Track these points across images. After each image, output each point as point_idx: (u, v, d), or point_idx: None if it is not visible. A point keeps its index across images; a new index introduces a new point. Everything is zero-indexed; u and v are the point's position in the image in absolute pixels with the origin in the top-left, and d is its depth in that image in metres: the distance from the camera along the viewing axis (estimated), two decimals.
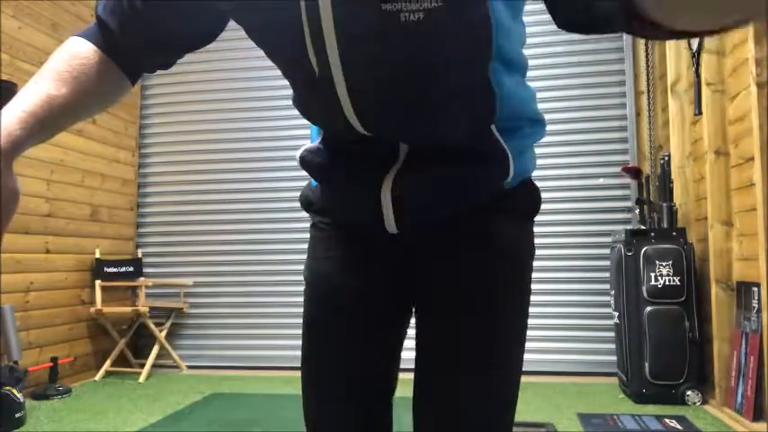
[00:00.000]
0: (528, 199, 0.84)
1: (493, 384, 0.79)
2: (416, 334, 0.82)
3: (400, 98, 0.71)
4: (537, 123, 0.83)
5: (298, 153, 0.87)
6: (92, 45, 0.73)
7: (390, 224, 0.79)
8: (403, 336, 0.89)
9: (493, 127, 0.75)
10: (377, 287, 0.84)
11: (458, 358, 0.78)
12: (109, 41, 0.74)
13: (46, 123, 0.73)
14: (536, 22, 4.25)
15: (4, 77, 3.40)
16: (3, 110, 0.71)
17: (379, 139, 0.75)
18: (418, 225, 0.77)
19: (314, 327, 0.88)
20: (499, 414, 0.83)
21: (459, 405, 0.78)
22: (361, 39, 0.65)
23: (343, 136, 0.78)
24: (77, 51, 0.72)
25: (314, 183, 0.90)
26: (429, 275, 0.81)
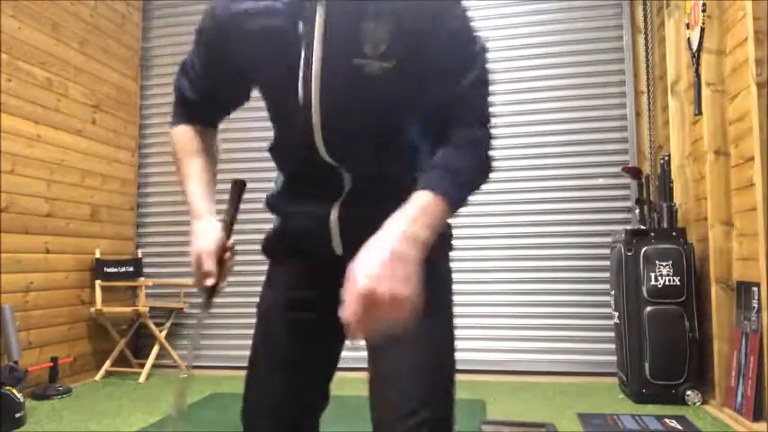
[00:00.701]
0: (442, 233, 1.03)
1: (425, 338, 0.96)
2: None
3: (356, 129, 0.97)
4: None
5: (264, 197, 1.18)
6: (189, 126, 1.14)
7: (337, 245, 1.03)
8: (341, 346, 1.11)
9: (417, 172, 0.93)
10: (325, 301, 0.93)
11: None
12: (195, 117, 1.15)
13: (213, 185, 1.13)
14: (536, 22, 4.26)
15: (4, 77, 3.41)
16: (197, 204, 1.07)
17: (332, 170, 0.99)
18: (360, 244, 0.82)
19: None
20: (436, 355, 0.99)
21: (406, 351, 0.96)
22: (335, 79, 0.93)
23: (303, 169, 1.05)
24: (187, 136, 1.14)
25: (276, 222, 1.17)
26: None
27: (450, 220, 1.04)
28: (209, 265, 1.02)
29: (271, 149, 1.14)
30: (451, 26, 0.95)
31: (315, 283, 1.08)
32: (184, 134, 1.13)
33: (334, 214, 1.02)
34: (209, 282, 1.02)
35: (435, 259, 0.93)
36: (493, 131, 1.02)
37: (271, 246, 1.20)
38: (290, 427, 1.11)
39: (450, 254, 1.12)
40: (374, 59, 0.91)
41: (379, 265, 0.76)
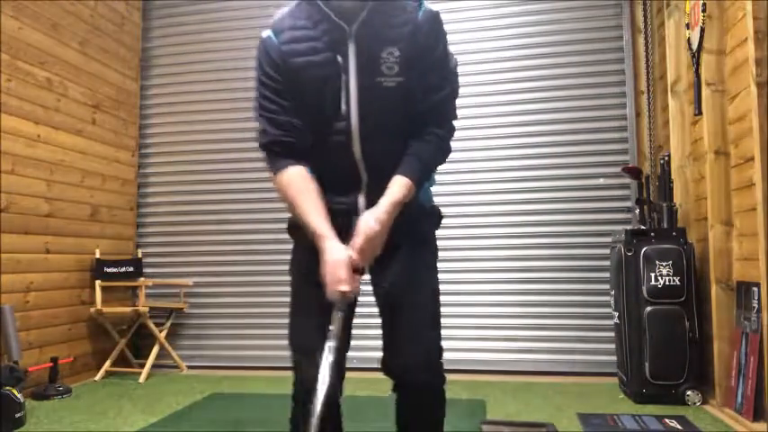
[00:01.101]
0: (431, 212, 1.53)
1: (423, 281, 1.46)
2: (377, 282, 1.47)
3: (379, 130, 1.38)
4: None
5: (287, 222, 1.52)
6: (293, 168, 1.39)
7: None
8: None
9: None
10: None
11: (407, 277, 1.44)
12: (294, 155, 1.40)
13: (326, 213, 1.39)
14: (537, 21, 4.26)
15: (4, 77, 3.41)
16: (322, 229, 1.35)
17: (355, 167, 1.40)
18: None
19: (299, 288, 1.54)
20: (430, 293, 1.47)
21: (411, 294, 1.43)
22: (366, 94, 1.35)
23: (331, 168, 1.41)
24: (296, 176, 1.39)
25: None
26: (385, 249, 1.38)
27: (437, 205, 1.56)
28: (344, 273, 1.28)
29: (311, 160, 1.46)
30: (437, 54, 1.40)
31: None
32: (292, 175, 1.38)
33: (362, 200, 1.41)
34: (343, 288, 1.28)
35: (429, 233, 1.52)
36: (454, 128, 1.46)
37: (294, 228, 1.50)
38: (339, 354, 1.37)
39: (438, 228, 1.56)
40: (389, 77, 1.34)
41: (374, 224, 1.31)
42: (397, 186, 1.34)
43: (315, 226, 1.34)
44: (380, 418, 2.85)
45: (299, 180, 1.38)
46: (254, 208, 4.56)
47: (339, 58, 1.34)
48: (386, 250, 1.37)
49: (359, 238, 1.30)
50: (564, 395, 3.40)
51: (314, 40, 1.34)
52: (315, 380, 1.28)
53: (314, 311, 1.40)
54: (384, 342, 1.45)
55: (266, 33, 1.40)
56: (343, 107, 1.35)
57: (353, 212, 1.39)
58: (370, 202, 1.36)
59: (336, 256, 1.30)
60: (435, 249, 1.52)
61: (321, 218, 1.35)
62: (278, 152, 1.39)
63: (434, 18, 1.38)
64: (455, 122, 1.45)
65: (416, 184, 1.36)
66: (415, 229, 1.45)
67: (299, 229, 1.42)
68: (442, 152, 1.43)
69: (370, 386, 3.53)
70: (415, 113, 1.39)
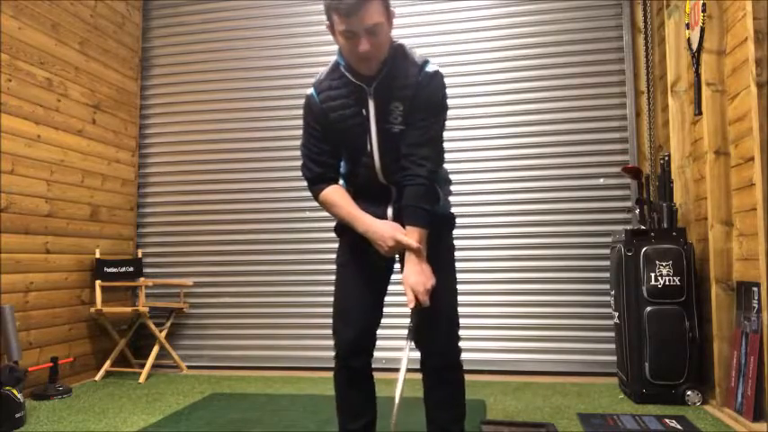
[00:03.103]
0: (448, 219, 1.94)
1: (445, 284, 1.80)
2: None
3: (393, 162, 1.79)
4: (447, 183, 1.94)
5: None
6: (332, 186, 1.86)
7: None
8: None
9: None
10: (369, 258, 1.85)
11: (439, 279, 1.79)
12: (331, 179, 1.87)
13: None
14: (537, 22, 4.26)
15: (4, 77, 3.41)
16: (372, 221, 1.78)
17: (385, 187, 1.84)
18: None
19: (345, 266, 1.93)
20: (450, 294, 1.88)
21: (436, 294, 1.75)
22: (382, 137, 1.78)
23: (367, 187, 1.85)
24: (338, 192, 1.85)
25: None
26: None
27: (452, 210, 1.96)
28: (401, 235, 1.72)
29: (346, 176, 1.90)
30: (431, 104, 1.76)
31: (361, 249, 1.85)
32: (331, 190, 1.84)
33: (390, 211, 1.83)
34: (398, 236, 1.72)
35: (446, 237, 1.91)
36: (436, 168, 1.79)
37: (340, 229, 1.93)
38: (367, 321, 1.88)
39: (453, 231, 1.96)
40: (396, 125, 1.76)
41: (417, 275, 1.72)
42: (416, 234, 1.73)
43: (366, 224, 1.77)
44: (380, 417, 2.86)
45: (336, 192, 1.84)
46: (255, 208, 4.56)
47: (364, 111, 1.76)
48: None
49: (410, 294, 1.72)
50: (564, 395, 3.40)
51: (345, 97, 1.77)
52: (350, 340, 1.84)
53: (354, 290, 1.87)
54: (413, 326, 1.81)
55: (310, 91, 1.84)
56: (368, 147, 1.79)
57: (383, 219, 1.82)
58: (396, 211, 1.81)
59: (385, 224, 1.77)
60: (451, 248, 1.93)
61: (361, 211, 1.80)
62: (318, 182, 1.86)
63: (431, 78, 1.75)
64: (438, 162, 1.81)
65: (427, 226, 1.75)
66: (435, 233, 1.80)
67: (344, 229, 1.87)
68: (433, 197, 1.80)
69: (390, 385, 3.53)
70: (406, 145, 1.76)
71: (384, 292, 1.93)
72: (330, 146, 1.83)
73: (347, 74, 1.75)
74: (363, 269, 1.87)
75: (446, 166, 1.92)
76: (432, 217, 1.75)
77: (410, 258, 1.71)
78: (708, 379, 3.13)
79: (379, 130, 1.76)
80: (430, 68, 1.75)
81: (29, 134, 3.57)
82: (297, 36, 4.55)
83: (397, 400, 1.63)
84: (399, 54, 1.76)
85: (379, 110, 1.75)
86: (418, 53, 1.80)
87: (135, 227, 4.68)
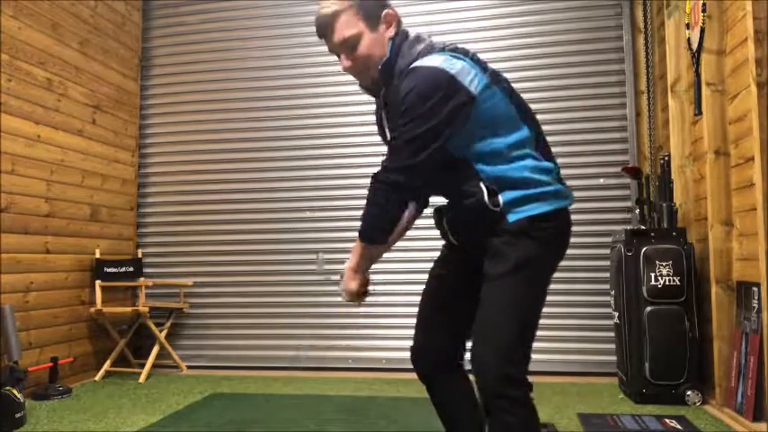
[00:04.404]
0: (518, 230, 1.52)
1: (500, 307, 1.52)
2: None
3: None
4: (521, 184, 1.55)
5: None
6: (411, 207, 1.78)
7: (451, 239, 1.69)
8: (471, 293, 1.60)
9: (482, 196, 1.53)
10: (458, 265, 1.72)
11: (484, 297, 1.53)
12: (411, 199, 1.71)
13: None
14: (537, 22, 4.26)
15: (4, 77, 3.41)
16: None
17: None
18: (459, 240, 1.67)
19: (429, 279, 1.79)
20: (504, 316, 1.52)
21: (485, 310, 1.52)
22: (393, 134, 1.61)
23: None
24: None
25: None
26: (477, 261, 1.57)
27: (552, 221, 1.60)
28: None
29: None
30: (405, 99, 1.50)
31: (449, 259, 1.77)
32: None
33: (446, 222, 1.67)
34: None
35: (505, 247, 1.53)
36: (399, 168, 1.51)
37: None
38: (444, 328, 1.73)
39: (536, 239, 1.56)
40: (395, 126, 1.56)
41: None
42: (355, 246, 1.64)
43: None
44: (381, 417, 2.85)
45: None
46: (254, 208, 4.56)
47: (384, 123, 1.70)
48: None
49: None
50: (564, 395, 3.40)
51: (377, 114, 1.74)
52: (419, 345, 1.73)
53: (428, 299, 1.77)
54: None
55: None
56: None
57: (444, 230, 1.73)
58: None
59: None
60: (520, 260, 1.53)
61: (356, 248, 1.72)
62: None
63: (407, 74, 1.52)
64: (406, 162, 1.49)
65: (360, 237, 1.61)
66: (491, 243, 1.61)
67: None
68: (375, 194, 1.54)
69: (371, 386, 3.53)
70: None
71: (459, 295, 1.68)
72: None
73: (364, 89, 1.67)
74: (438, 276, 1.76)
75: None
76: (364, 229, 1.58)
77: None
78: (708, 379, 3.13)
79: (391, 141, 1.60)
80: (416, 64, 1.52)
81: (29, 134, 3.57)
82: (297, 36, 4.55)
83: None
84: (400, 52, 1.59)
85: (391, 119, 1.61)
86: (425, 44, 1.59)
87: (135, 227, 4.68)
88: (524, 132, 1.57)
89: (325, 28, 1.56)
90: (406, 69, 1.53)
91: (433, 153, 1.47)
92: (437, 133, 1.47)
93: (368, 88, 1.65)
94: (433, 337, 1.72)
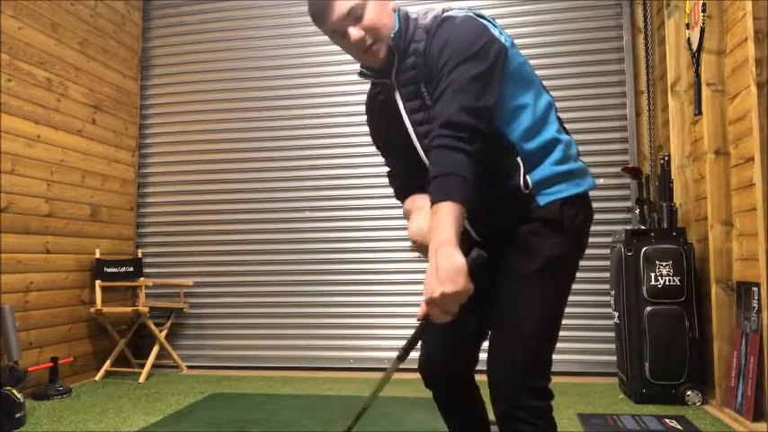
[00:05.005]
0: (549, 216, 1.44)
1: (524, 303, 1.43)
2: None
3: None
4: (544, 152, 1.50)
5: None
6: (408, 199, 1.57)
7: (473, 235, 1.47)
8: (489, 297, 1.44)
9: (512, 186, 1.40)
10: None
11: (506, 295, 1.43)
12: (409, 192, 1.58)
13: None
14: (537, 22, 4.26)
15: (4, 77, 3.41)
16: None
17: None
18: (482, 233, 1.47)
19: None
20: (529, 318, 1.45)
21: (509, 309, 1.44)
22: (417, 129, 1.44)
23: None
24: (408, 204, 1.57)
25: None
26: (498, 255, 1.39)
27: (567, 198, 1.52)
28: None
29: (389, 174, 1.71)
30: (440, 62, 1.34)
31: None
32: (408, 202, 1.59)
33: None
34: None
35: (536, 240, 1.44)
36: (457, 111, 1.27)
37: None
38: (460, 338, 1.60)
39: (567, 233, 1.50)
40: (426, 108, 1.42)
41: (427, 277, 1.21)
42: (433, 217, 1.27)
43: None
44: (381, 417, 2.85)
45: (408, 202, 1.69)
46: (254, 208, 4.56)
47: (399, 107, 1.49)
48: None
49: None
50: (564, 395, 3.40)
51: (382, 103, 1.56)
52: (426, 354, 1.60)
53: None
54: None
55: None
56: (412, 144, 1.51)
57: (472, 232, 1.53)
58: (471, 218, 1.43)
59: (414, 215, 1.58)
60: (552, 258, 1.44)
61: (417, 211, 1.58)
62: (401, 197, 1.69)
63: (437, 28, 1.38)
64: (474, 104, 1.27)
65: (444, 198, 1.24)
66: (518, 230, 1.47)
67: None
68: (455, 149, 1.24)
69: (370, 387, 3.53)
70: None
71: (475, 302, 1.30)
72: (393, 159, 1.62)
73: (368, 76, 1.52)
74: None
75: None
76: (462, 183, 1.21)
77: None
78: (708, 379, 3.13)
79: (413, 122, 1.44)
80: (444, 16, 1.40)
81: (29, 134, 3.57)
82: (297, 36, 4.55)
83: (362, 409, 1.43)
84: (409, 25, 1.44)
85: (407, 99, 1.44)
86: (437, 10, 1.45)
87: (135, 227, 4.68)
88: (549, 98, 1.52)
89: (324, 8, 1.41)
90: (433, 27, 1.38)
91: (492, 99, 1.29)
92: (491, 76, 1.30)
93: (375, 71, 1.48)
94: (448, 342, 1.57)
